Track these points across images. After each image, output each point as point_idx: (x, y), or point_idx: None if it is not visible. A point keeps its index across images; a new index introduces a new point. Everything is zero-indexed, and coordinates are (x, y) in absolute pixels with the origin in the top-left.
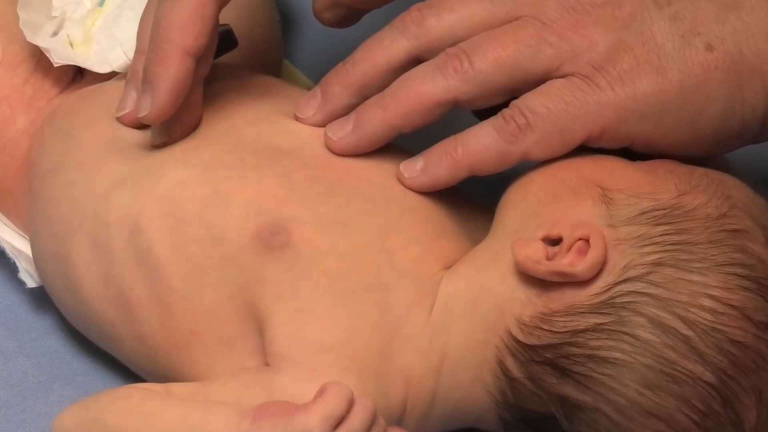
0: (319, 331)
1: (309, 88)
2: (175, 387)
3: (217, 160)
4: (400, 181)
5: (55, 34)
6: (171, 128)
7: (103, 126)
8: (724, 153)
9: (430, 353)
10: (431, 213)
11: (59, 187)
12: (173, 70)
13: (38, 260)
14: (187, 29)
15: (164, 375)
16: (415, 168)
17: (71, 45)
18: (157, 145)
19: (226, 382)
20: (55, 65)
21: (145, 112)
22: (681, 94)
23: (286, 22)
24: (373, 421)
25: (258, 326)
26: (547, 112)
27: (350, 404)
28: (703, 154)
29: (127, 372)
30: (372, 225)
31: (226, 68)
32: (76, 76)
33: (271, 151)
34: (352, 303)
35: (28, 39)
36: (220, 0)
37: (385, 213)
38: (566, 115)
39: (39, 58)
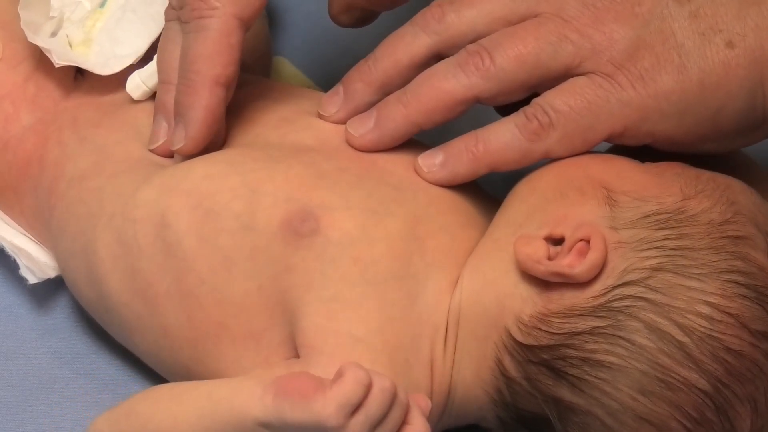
0: (350, 321)
1: (308, 87)
2: None
3: (243, 155)
4: (418, 174)
5: (53, 34)
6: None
7: (132, 147)
8: (745, 147)
9: (448, 345)
10: (457, 203)
11: (89, 191)
12: (205, 101)
13: (62, 255)
14: (215, 59)
15: (187, 368)
16: (434, 162)
17: (70, 45)
18: None
19: (259, 377)
20: (57, 65)
21: (180, 144)
22: (702, 92)
23: (285, 21)
24: (392, 402)
25: (286, 318)
26: (569, 111)
27: (367, 389)
28: (724, 150)
29: (128, 372)
30: (402, 212)
31: (245, 81)
32: (77, 75)
33: (297, 147)
34: (383, 291)
35: (30, 39)
36: (245, 27)
37: (414, 201)
38: (588, 113)
39: (40, 57)
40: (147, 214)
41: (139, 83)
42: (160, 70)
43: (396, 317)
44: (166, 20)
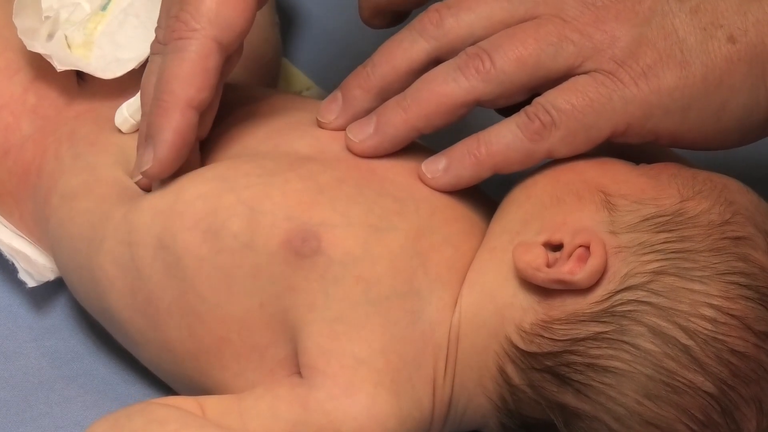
0: (353, 342)
1: (308, 87)
2: (209, 402)
3: (234, 170)
4: (422, 180)
5: (50, 36)
6: None
7: (121, 172)
8: (748, 144)
9: (449, 361)
10: (459, 210)
11: (78, 212)
12: (175, 123)
13: (61, 267)
14: (190, 81)
15: (190, 378)
16: (438, 168)
17: (69, 47)
18: None
19: (261, 396)
20: (59, 70)
21: (147, 165)
22: (705, 87)
23: (286, 22)
24: None
25: (289, 335)
26: (571, 109)
27: None
28: (727, 147)
29: (128, 372)
30: (404, 226)
31: (231, 93)
32: (79, 80)
33: (291, 158)
34: (386, 310)
35: (29, 48)
36: (225, 53)
37: (416, 213)
38: (591, 111)
39: (38, 66)
40: (143, 238)
41: (126, 117)
42: (143, 102)
43: (399, 336)
44: (152, 53)
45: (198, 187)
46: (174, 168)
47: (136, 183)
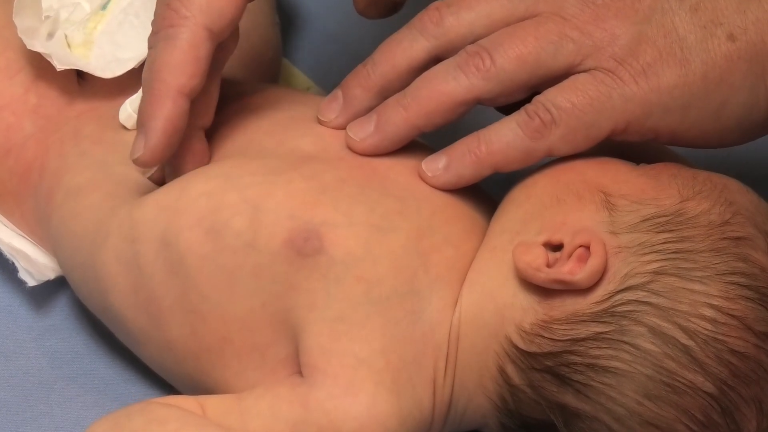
0: (354, 342)
1: (308, 87)
2: (209, 401)
3: (239, 168)
4: (423, 179)
5: (50, 35)
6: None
7: (130, 169)
8: (748, 143)
9: (449, 361)
10: (460, 209)
11: (84, 207)
12: (167, 111)
13: (63, 265)
14: (181, 69)
15: (191, 377)
16: (438, 166)
17: (69, 46)
18: None
19: (261, 396)
20: (58, 69)
21: (138, 153)
22: (705, 85)
23: (286, 22)
24: None
25: (290, 335)
26: (571, 107)
27: None
28: (726, 146)
29: (128, 372)
30: (405, 226)
31: (234, 87)
32: (79, 80)
33: (296, 155)
34: (386, 310)
35: (29, 47)
36: (216, 40)
37: (417, 213)
38: (591, 109)
39: (39, 65)
40: (146, 235)
41: (130, 113)
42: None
43: (399, 336)
44: (148, 47)
45: (202, 185)
46: (165, 156)
47: (149, 178)
